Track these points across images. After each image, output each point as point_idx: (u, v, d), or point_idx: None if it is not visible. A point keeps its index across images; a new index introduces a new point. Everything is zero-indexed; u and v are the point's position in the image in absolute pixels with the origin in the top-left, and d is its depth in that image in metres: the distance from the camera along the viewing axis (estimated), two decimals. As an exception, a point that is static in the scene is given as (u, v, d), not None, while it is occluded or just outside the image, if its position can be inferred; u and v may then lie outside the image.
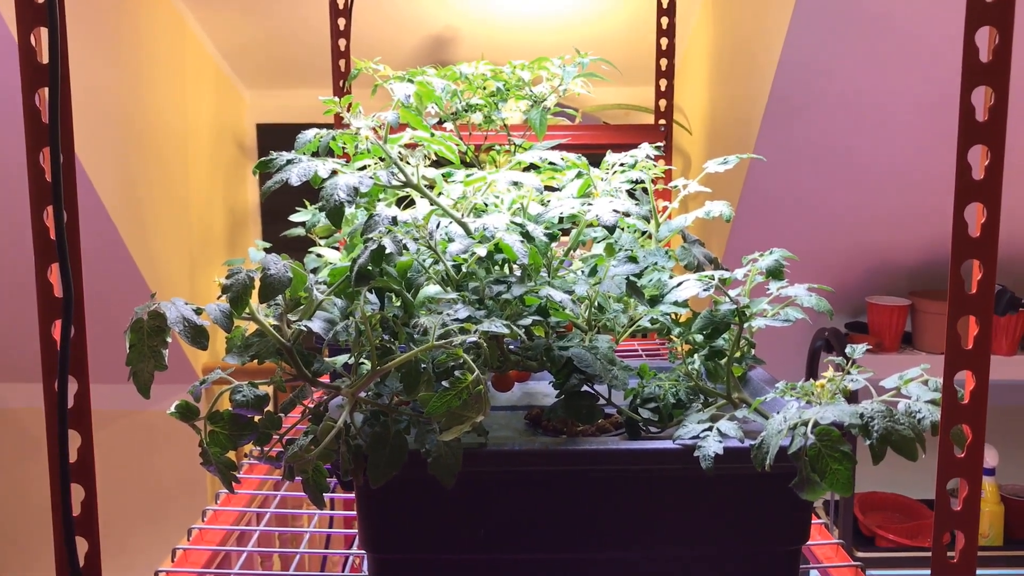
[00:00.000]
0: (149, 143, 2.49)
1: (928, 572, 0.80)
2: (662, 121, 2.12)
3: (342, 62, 2.01)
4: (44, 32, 0.72)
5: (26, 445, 3.07)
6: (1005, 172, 0.73)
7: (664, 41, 2.11)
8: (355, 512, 1.48)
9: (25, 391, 3.01)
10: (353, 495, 1.25)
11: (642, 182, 1.02)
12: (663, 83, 2.13)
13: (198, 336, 0.67)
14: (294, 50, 2.87)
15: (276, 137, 3.15)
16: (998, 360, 2.53)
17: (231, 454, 0.76)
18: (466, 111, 1.42)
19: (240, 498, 1.23)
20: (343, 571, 1.04)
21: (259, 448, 0.75)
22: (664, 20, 2.11)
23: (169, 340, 0.67)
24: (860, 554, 2.56)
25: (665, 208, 1.06)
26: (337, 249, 1.21)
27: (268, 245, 0.91)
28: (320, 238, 1.24)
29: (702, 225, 2.76)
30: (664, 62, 2.12)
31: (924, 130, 2.03)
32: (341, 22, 2.01)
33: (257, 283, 0.71)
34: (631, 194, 1.03)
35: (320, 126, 1.00)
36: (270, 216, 3.18)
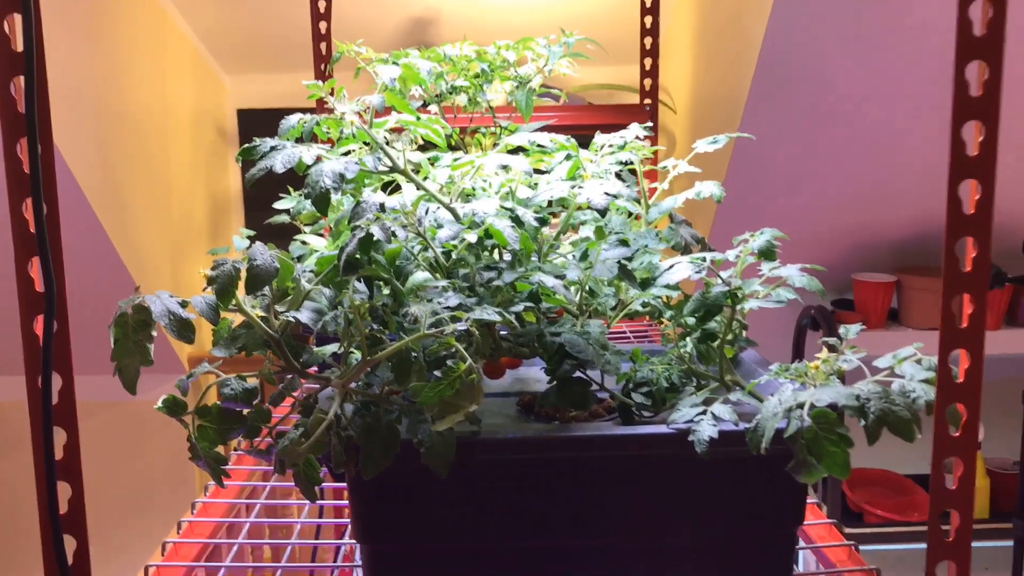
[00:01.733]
0: (129, 131, 2.46)
1: (917, 547, 0.80)
2: (647, 101, 2.11)
3: (323, 45, 1.98)
4: (18, 18, 0.70)
5: (9, 439, 3.05)
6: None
7: (648, 19, 2.10)
8: (345, 502, 1.47)
9: (6, 384, 2.98)
10: (344, 485, 1.24)
11: (630, 163, 1.01)
12: (648, 62, 2.11)
13: (184, 330, 0.66)
14: (274, 34, 2.84)
15: (257, 122, 3.12)
16: (987, 335, 2.54)
17: (219, 447, 0.75)
18: (451, 93, 1.41)
19: (230, 490, 1.22)
20: (334, 561, 1.04)
21: (249, 441, 0.74)
22: (648, -1, 2.09)
23: (155, 334, 0.66)
24: (849, 530, 2.57)
25: (654, 189, 1.05)
26: (322, 236, 1.19)
27: (252, 233, 0.89)
28: (305, 225, 1.22)
29: (688, 205, 2.75)
30: (648, 40, 2.10)
31: (908, 106, 2.03)
32: (322, 4, 1.99)
33: (243, 274, 0.69)
34: (618, 175, 1.02)
35: (302, 110, 0.98)
36: (253, 203, 3.15)
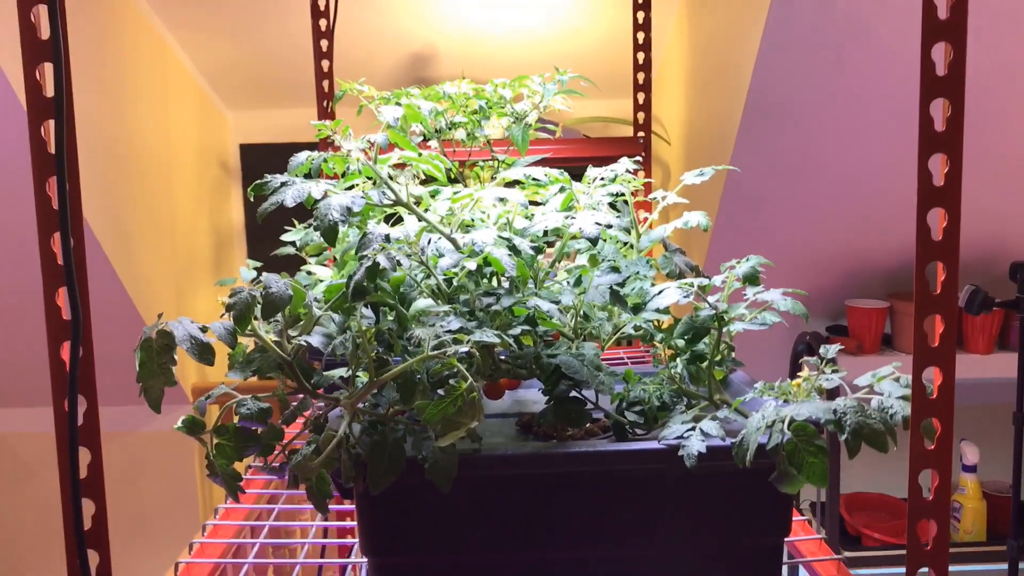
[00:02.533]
0: (133, 165, 2.51)
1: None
2: (641, 133, 2.17)
3: (326, 83, 2.04)
4: (48, 67, 0.75)
5: (17, 470, 3.08)
6: (979, 176, 0.78)
7: (640, 56, 2.16)
8: (349, 522, 1.51)
9: (12, 416, 3.02)
10: (351, 505, 1.28)
11: (623, 195, 1.06)
12: (640, 96, 2.17)
13: (204, 352, 0.71)
14: (275, 71, 2.91)
15: (259, 157, 3.19)
16: (976, 359, 2.58)
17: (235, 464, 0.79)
18: (450, 129, 1.46)
19: (239, 512, 1.26)
20: (343, 579, 1.07)
21: (263, 459, 0.78)
22: (640, 35, 2.16)
23: (176, 357, 0.71)
24: (847, 553, 2.60)
25: (645, 219, 1.10)
26: (327, 266, 1.24)
27: (259, 264, 0.94)
28: (310, 256, 1.27)
29: (683, 234, 2.81)
30: (641, 76, 2.17)
31: (897, 135, 2.08)
32: (324, 44, 2.05)
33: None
34: (613, 206, 1.07)
35: (303, 145, 1.03)
36: (255, 235, 3.20)
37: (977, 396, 2.96)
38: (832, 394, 0.86)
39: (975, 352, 2.57)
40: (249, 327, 0.74)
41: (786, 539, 1.13)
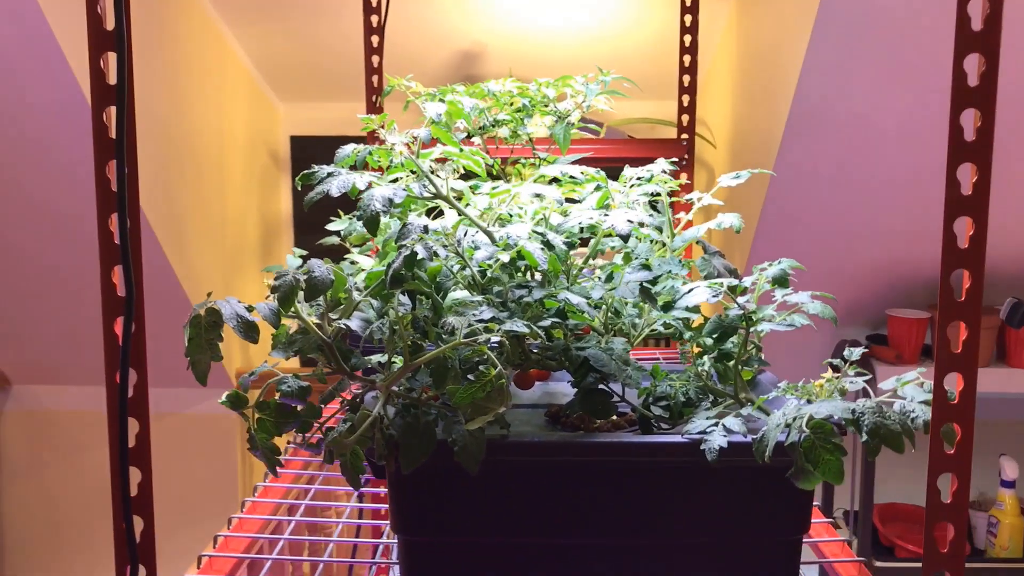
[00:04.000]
0: (187, 154, 2.59)
1: None
2: (684, 135, 2.19)
3: (375, 78, 2.09)
4: (112, 56, 0.79)
5: (66, 446, 3.17)
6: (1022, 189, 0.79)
7: (687, 58, 2.18)
8: (383, 505, 1.55)
9: (63, 394, 3.12)
10: (382, 489, 1.32)
11: (659, 195, 1.09)
12: (685, 98, 2.19)
13: (250, 331, 0.75)
14: (327, 64, 2.96)
15: (309, 149, 3.25)
16: (1019, 373, 2.55)
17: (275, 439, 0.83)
18: (493, 126, 1.49)
19: (277, 491, 1.31)
20: (373, 558, 1.11)
21: (301, 435, 0.82)
22: (687, 38, 2.17)
23: (223, 336, 0.75)
24: (879, 564, 2.59)
25: (680, 219, 1.13)
26: (370, 256, 1.28)
27: (304, 253, 0.98)
28: (354, 246, 1.31)
29: (725, 237, 2.81)
30: (687, 78, 2.18)
31: (942, 146, 2.07)
32: (375, 40, 2.09)
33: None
34: (653, 206, 1.09)
35: (351, 138, 1.07)
36: (303, 226, 3.27)
37: (1018, 411, 2.93)
38: (858, 397, 0.88)
39: (1017, 366, 2.55)
40: (292, 309, 0.78)
41: (810, 539, 1.15)
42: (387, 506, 1.36)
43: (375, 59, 2.09)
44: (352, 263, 1.22)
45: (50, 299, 2.71)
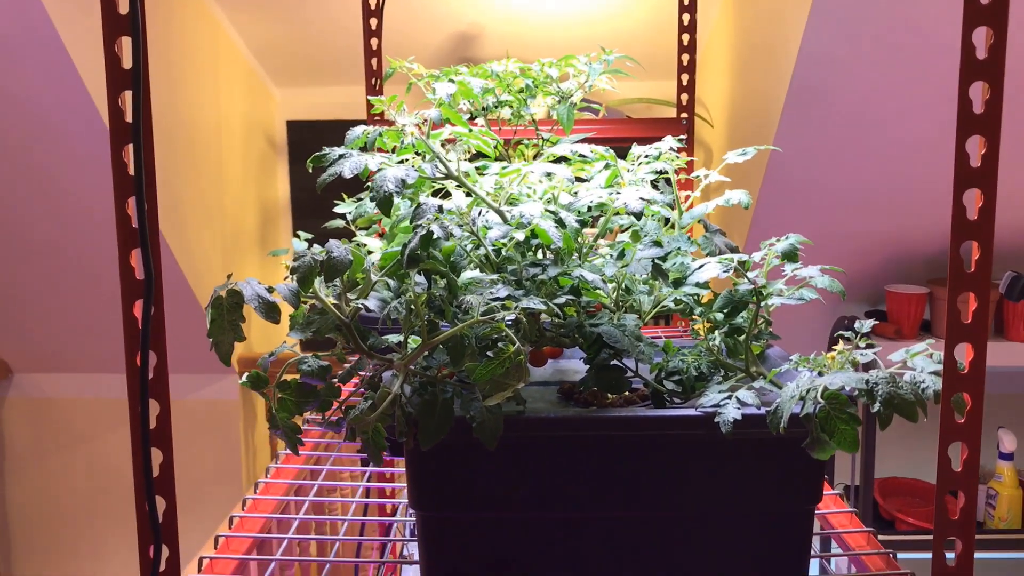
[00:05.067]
0: (184, 139, 2.58)
1: (947, 555, 0.86)
2: (684, 115, 2.19)
3: (374, 61, 2.09)
4: (126, 41, 0.80)
5: (71, 434, 3.18)
6: (1020, 164, 0.80)
7: (685, 37, 2.18)
8: (389, 484, 1.56)
9: (65, 381, 3.12)
10: (390, 468, 1.32)
11: (665, 173, 1.10)
12: (684, 78, 2.19)
13: (271, 311, 0.75)
14: (323, 49, 2.96)
15: (306, 133, 3.25)
16: (1017, 347, 2.57)
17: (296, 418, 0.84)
18: (496, 107, 1.50)
19: (288, 472, 1.32)
20: (389, 535, 1.12)
21: (321, 414, 0.83)
22: (685, 16, 2.17)
23: (245, 317, 0.75)
24: (880, 537, 2.61)
25: (687, 197, 1.13)
26: (376, 239, 1.28)
27: (310, 236, 0.99)
28: (360, 229, 1.31)
29: (724, 216, 2.82)
30: (685, 57, 2.18)
31: (941, 119, 2.08)
32: (373, 22, 2.09)
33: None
34: (654, 185, 1.10)
35: (348, 123, 1.07)
36: (301, 210, 3.27)
37: (1016, 384, 2.96)
38: (867, 370, 0.89)
39: (1016, 340, 2.57)
40: (311, 289, 0.79)
41: (819, 511, 1.17)
42: (393, 485, 1.38)
43: (374, 41, 2.09)
44: (360, 245, 1.22)
45: (52, 287, 2.71)
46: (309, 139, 3.23)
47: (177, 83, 2.52)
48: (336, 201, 1.35)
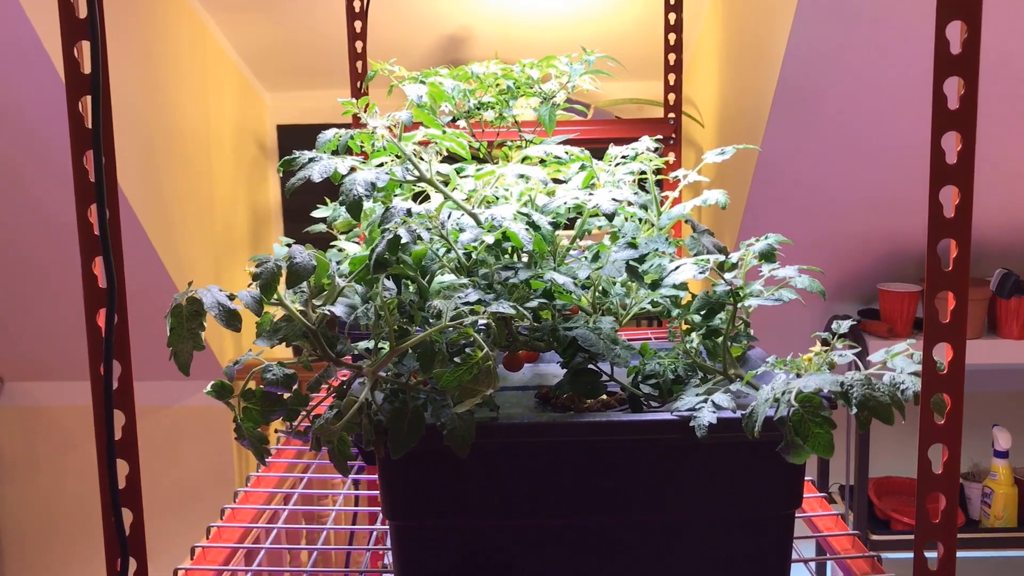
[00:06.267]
0: (174, 145, 2.57)
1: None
2: (671, 115, 2.18)
3: (359, 64, 2.07)
4: (86, 45, 0.78)
5: (59, 442, 3.17)
6: (1010, 162, 0.78)
7: (672, 36, 2.16)
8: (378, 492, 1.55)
9: (54, 389, 3.11)
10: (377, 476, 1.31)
11: (645, 173, 1.08)
12: (671, 77, 2.18)
13: (231, 319, 0.74)
14: (313, 53, 2.95)
15: (296, 138, 3.23)
16: (1010, 344, 2.56)
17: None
18: (478, 109, 1.48)
19: (270, 480, 1.30)
20: (369, 544, 1.11)
21: (288, 423, 0.81)
22: (672, 16, 2.16)
23: (205, 325, 0.74)
24: (875, 537, 2.60)
25: (667, 198, 1.12)
26: (357, 243, 1.27)
27: (291, 241, 0.97)
28: (340, 233, 1.30)
29: (714, 217, 2.81)
30: (672, 57, 2.17)
31: (929, 118, 2.07)
32: (357, 25, 2.08)
33: (284, 272, 0.77)
34: (641, 186, 1.08)
35: (339, 126, 1.06)
36: (292, 215, 3.25)
37: (1010, 382, 2.94)
38: (848, 371, 0.87)
39: (1008, 337, 2.55)
40: (275, 296, 0.77)
41: (804, 514, 1.15)
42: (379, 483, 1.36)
43: (358, 44, 2.08)
44: (339, 250, 1.21)
45: (42, 296, 2.70)
46: (300, 143, 3.20)
47: (165, 88, 2.51)
48: (319, 206, 1.33)
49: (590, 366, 0.90)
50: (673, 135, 2.18)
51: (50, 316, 2.78)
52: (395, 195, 1.04)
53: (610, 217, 0.88)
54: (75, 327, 2.80)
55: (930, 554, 0.85)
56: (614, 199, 0.88)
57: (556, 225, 0.94)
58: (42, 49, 1.92)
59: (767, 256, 0.93)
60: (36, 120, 2.14)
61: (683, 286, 0.96)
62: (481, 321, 0.80)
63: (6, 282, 2.66)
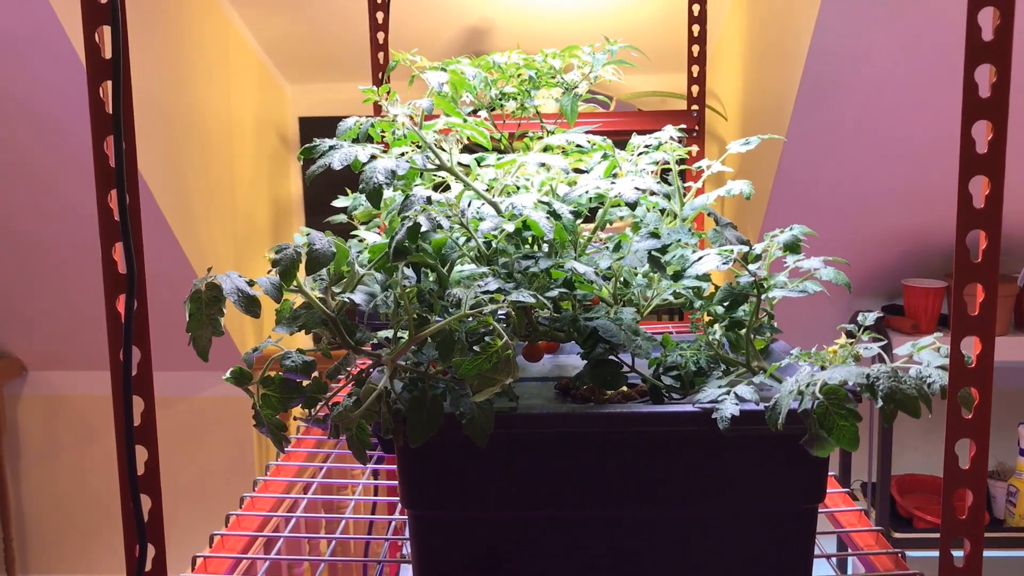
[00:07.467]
0: (196, 136, 2.58)
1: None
2: (694, 107, 2.16)
3: (381, 55, 2.07)
4: (107, 30, 0.78)
5: (82, 431, 3.19)
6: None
7: (696, 28, 2.14)
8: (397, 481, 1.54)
9: (77, 379, 3.13)
10: (394, 464, 1.30)
11: (668, 163, 1.07)
12: (695, 69, 2.16)
13: (250, 305, 0.74)
14: (334, 45, 2.94)
15: (318, 130, 3.23)
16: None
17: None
18: (500, 100, 1.47)
19: (289, 469, 1.30)
20: (387, 534, 1.10)
21: (307, 410, 0.81)
22: (695, 7, 2.14)
23: (225, 311, 0.74)
24: (897, 535, 2.57)
25: (689, 188, 1.11)
26: (378, 233, 1.26)
27: (312, 231, 0.97)
28: (361, 223, 1.29)
29: (738, 210, 2.79)
30: (696, 49, 2.15)
31: (956, 110, 2.04)
32: (379, 16, 2.07)
33: (303, 259, 0.76)
34: (664, 178, 1.07)
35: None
36: (313, 206, 3.26)
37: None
38: (873, 364, 0.86)
39: (1037, 335, 2.52)
40: (295, 283, 0.77)
41: (827, 509, 1.14)
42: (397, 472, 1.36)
43: (380, 35, 2.07)
44: (359, 240, 1.21)
45: (64, 285, 2.72)
46: (321, 135, 3.21)
47: (188, 80, 2.51)
48: (339, 197, 1.33)
49: (611, 357, 0.89)
50: (696, 127, 2.16)
51: (73, 305, 2.80)
52: (415, 184, 1.03)
53: (632, 206, 0.87)
54: (97, 316, 2.82)
55: (956, 552, 0.83)
56: (637, 188, 0.87)
57: (577, 214, 0.93)
58: (63, 34, 1.92)
59: (792, 247, 0.92)
60: (55, 107, 2.14)
61: (706, 277, 0.95)
62: (501, 310, 0.79)
63: (29, 271, 2.68)
